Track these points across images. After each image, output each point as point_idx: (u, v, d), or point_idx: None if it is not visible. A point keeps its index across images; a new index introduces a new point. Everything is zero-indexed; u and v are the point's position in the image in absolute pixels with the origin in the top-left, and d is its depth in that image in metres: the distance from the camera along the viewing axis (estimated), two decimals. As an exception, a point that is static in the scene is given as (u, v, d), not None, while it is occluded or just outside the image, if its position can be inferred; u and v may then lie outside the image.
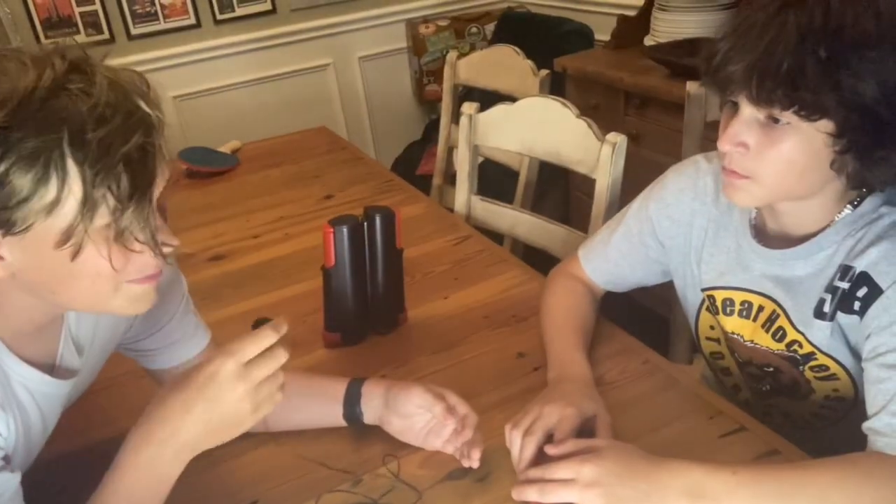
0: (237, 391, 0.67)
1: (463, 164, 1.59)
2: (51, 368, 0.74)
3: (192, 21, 2.74)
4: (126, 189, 0.59)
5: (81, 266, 0.61)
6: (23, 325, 0.69)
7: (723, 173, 0.83)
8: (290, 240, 1.47)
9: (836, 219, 0.83)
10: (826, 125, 0.74)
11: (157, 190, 0.64)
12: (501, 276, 1.27)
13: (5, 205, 0.57)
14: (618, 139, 1.30)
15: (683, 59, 1.93)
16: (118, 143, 0.58)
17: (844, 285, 0.81)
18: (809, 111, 0.73)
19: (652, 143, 2.00)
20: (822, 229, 0.84)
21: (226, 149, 1.96)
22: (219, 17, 2.78)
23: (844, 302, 0.81)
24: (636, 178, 1.34)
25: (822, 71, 0.71)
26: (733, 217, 0.94)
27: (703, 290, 0.97)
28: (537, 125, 1.46)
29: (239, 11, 2.80)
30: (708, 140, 1.32)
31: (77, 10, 2.56)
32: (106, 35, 2.62)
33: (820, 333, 0.85)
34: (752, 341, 0.94)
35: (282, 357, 0.69)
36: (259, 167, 1.88)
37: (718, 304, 0.96)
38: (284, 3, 2.87)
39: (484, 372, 1.03)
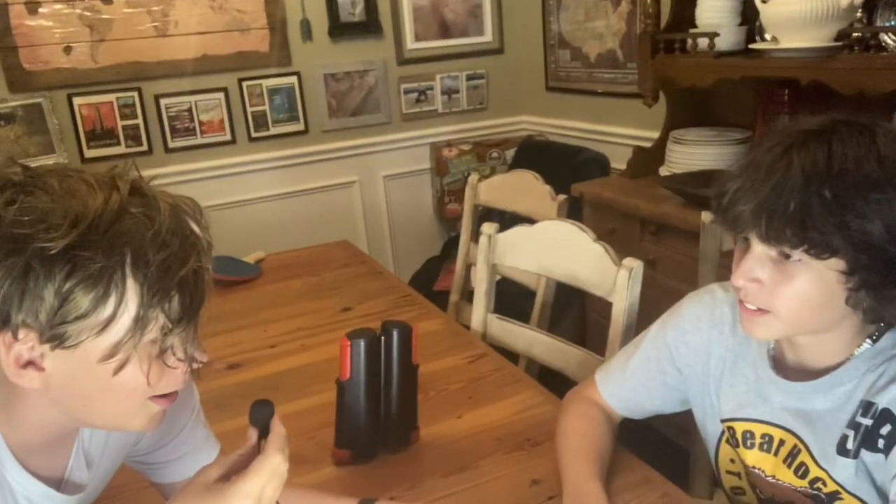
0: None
1: (481, 282, 1.61)
2: (58, 483, 0.72)
3: (228, 137, 2.89)
4: (177, 311, 0.61)
5: (120, 380, 0.62)
6: (37, 437, 0.69)
7: (739, 307, 0.84)
8: (305, 351, 1.47)
9: (856, 352, 0.82)
10: (837, 263, 0.75)
11: (202, 316, 0.66)
12: (516, 396, 1.25)
13: (63, 320, 0.58)
14: (634, 264, 1.32)
15: (698, 189, 1.99)
16: (176, 266, 0.60)
17: (867, 422, 0.79)
18: (819, 250, 0.74)
19: (668, 270, 2.02)
20: (841, 363, 0.83)
21: (250, 259, 2.01)
22: (254, 134, 2.93)
23: (868, 439, 0.79)
24: (652, 303, 1.34)
25: (829, 212, 0.72)
26: (751, 347, 0.93)
27: (723, 420, 0.96)
28: (555, 247, 1.49)
29: (273, 130, 2.96)
30: (723, 268, 1.33)
31: (120, 123, 2.71)
32: (144, 147, 2.76)
33: (844, 472, 0.82)
34: (773, 476, 0.91)
35: (285, 475, 0.70)
36: (280, 278, 1.91)
37: (738, 436, 0.93)
38: (316, 124, 3.03)
39: (496, 499, 0.99)
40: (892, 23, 1.72)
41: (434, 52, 3.16)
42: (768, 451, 0.91)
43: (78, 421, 0.69)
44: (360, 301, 1.71)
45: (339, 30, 2.96)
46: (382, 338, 1.08)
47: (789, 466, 0.88)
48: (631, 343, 1.09)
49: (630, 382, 1.05)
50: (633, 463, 1.05)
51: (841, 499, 0.84)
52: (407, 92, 3.16)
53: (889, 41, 1.71)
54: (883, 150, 0.75)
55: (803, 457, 0.87)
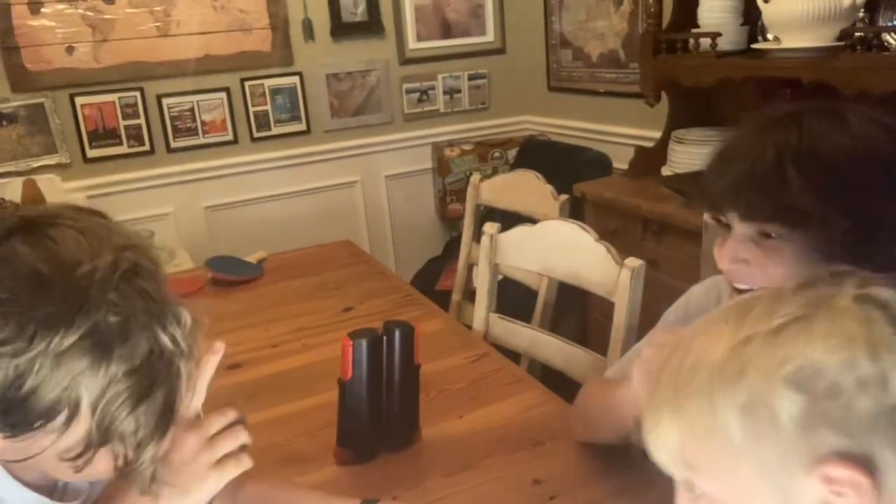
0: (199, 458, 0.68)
1: (483, 282, 1.61)
2: (51, 490, 0.71)
3: (230, 137, 2.89)
4: (146, 435, 0.58)
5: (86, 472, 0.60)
6: None
7: (732, 292, 0.85)
8: (307, 350, 1.48)
9: None
10: (815, 233, 0.75)
11: (175, 423, 0.62)
12: (518, 396, 1.25)
13: (24, 420, 0.56)
14: (636, 264, 1.32)
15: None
16: (146, 392, 0.57)
17: None
18: (797, 222, 0.75)
19: (669, 269, 2.02)
20: None
21: (252, 259, 2.01)
22: (256, 134, 2.93)
23: None
24: (654, 303, 1.34)
25: (804, 183, 0.74)
26: None
27: None
28: (557, 247, 1.49)
29: (275, 130, 2.96)
30: (726, 268, 1.33)
31: (122, 123, 2.72)
32: (147, 147, 2.77)
33: None
34: None
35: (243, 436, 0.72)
36: (282, 277, 1.91)
37: None
38: (319, 124, 3.03)
39: (498, 499, 0.99)
40: (895, 22, 1.72)
41: (436, 51, 3.16)
42: None
43: None
44: (361, 301, 1.71)
45: (341, 29, 2.96)
46: (384, 337, 1.08)
47: None
48: (642, 340, 1.10)
49: None
50: (633, 462, 1.05)
51: None
52: (409, 92, 3.16)
53: (892, 41, 1.71)
54: (854, 126, 0.76)
55: None
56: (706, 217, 1.42)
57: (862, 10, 1.73)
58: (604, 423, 1.00)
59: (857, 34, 1.70)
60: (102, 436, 0.56)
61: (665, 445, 0.58)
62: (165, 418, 0.59)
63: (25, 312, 0.54)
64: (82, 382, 0.55)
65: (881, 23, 1.75)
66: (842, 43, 1.70)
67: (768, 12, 1.81)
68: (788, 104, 0.83)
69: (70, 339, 0.54)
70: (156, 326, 0.59)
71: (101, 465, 0.59)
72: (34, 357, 0.54)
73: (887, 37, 1.71)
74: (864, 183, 0.74)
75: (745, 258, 0.80)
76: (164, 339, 0.59)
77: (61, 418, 0.56)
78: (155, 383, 0.58)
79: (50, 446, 0.57)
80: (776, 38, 1.86)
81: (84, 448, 0.57)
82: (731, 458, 0.52)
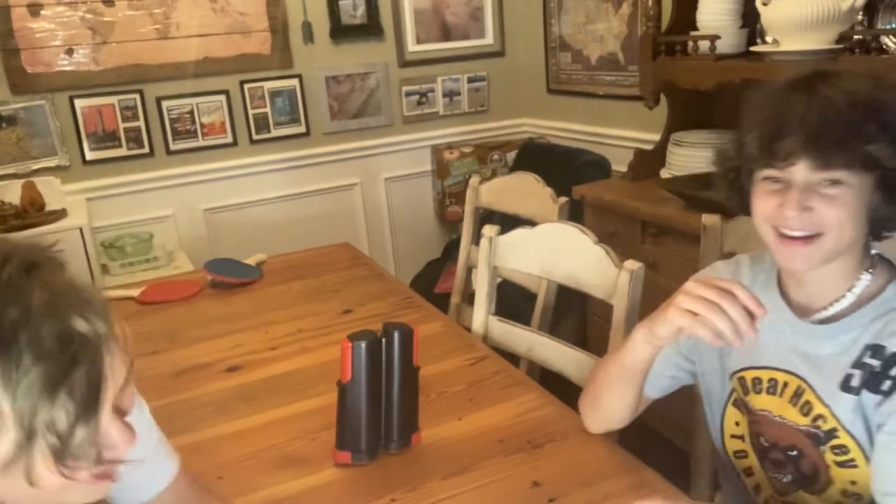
0: None
1: (482, 285, 1.61)
2: None
3: (230, 140, 2.90)
4: (68, 423, 0.56)
5: (34, 485, 0.58)
6: None
7: (779, 243, 0.89)
8: (306, 353, 1.47)
9: (855, 287, 0.90)
10: (870, 178, 0.84)
11: (107, 404, 0.60)
12: (517, 398, 1.25)
13: None
14: (635, 266, 1.32)
15: (698, 191, 1.99)
16: (57, 378, 0.55)
17: (875, 363, 0.86)
18: (867, 167, 0.82)
19: (668, 272, 2.02)
20: (837, 300, 0.91)
21: (251, 261, 2.01)
22: (255, 137, 2.94)
23: (873, 379, 0.86)
24: (653, 306, 1.34)
25: (876, 130, 0.81)
26: (764, 297, 0.97)
27: (734, 373, 1.01)
28: (556, 250, 1.49)
29: (275, 133, 2.96)
30: (725, 271, 1.33)
31: (122, 125, 2.72)
32: (146, 150, 2.77)
33: (844, 407, 0.89)
34: (780, 416, 0.96)
35: None
36: (281, 280, 1.91)
37: (749, 383, 0.99)
38: (318, 126, 3.03)
39: (498, 501, 0.99)
40: (893, 25, 1.73)
41: (435, 54, 3.17)
42: (774, 393, 0.97)
43: None
44: (361, 303, 1.71)
45: (341, 32, 2.97)
46: (383, 340, 1.08)
47: (794, 405, 0.95)
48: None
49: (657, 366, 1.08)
50: (632, 465, 1.05)
51: (837, 436, 0.90)
52: (408, 94, 3.17)
53: (890, 43, 1.71)
54: (877, 81, 0.86)
55: (808, 395, 0.93)
56: (705, 220, 1.43)
57: (860, 13, 1.73)
58: (616, 387, 1.05)
59: (856, 37, 1.70)
60: (28, 431, 0.55)
61: None
62: (91, 400, 0.58)
63: None
64: None
65: (879, 25, 1.75)
66: (840, 46, 1.71)
67: (767, 15, 1.82)
68: (796, 71, 0.90)
69: None
70: (60, 311, 0.57)
71: (42, 469, 0.57)
72: None
73: (886, 39, 1.72)
74: None
75: (810, 206, 0.85)
76: (74, 323, 0.57)
77: None
78: (71, 365, 0.56)
79: None
80: (775, 41, 1.86)
81: (16, 451, 0.55)
82: None
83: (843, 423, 0.90)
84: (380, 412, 1.09)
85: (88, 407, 0.57)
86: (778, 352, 0.96)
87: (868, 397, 0.86)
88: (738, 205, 0.99)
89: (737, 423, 1.05)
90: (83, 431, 0.57)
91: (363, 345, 1.05)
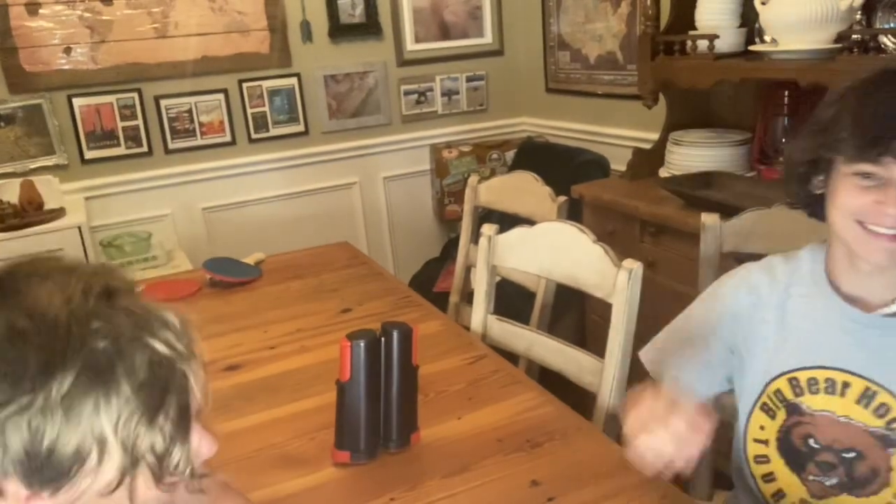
0: None
1: (480, 284, 1.61)
2: None
3: (228, 139, 2.89)
4: (164, 447, 0.58)
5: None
6: None
7: (866, 235, 0.87)
8: (305, 352, 1.48)
9: None
10: None
11: (194, 423, 0.62)
12: (516, 397, 1.25)
13: (59, 473, 0.55)
14: (634, 265, 1.32)
15: (697, 191, 1.99)
16: (156, 406, 0.57)
17: None
18: None
19: (667, 271, 2.02)
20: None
21: (250, 260, 2.01)
22: (254, 136, 2.93)
23: None
24: (652, 305, 1.35)
25: None
26: (805, 296, 0.97)
27: (781, 374, 0.98)
28: (555, 249, 1.49)
29: (273, 132, 2.96)
30: (723, 270, 1.33)
31: (120, 124, 2.72)
32: (145, 148, 2.76)
33: None
34: (846, 416, 0.94)
35: None
36: (280, 279, 1.91)
37: (804, 384, 0.97)
38: (317, 125, 3.03)
39: (497, 500, 0.99)
40: (892, 25, 1.73)
41: (434, 53, 3.17)
42: (833, 393, 0.94)
43: None
44: (360, 302, 1.71)
45: (340, 31, 2.96)
46: (382, 339, 1.08)
47: (865, 406, 0.92)
48: (669, 327, 1.12)
49: (682, 365, 1.08)
50: (631, 463, 1.05)
51: None
52: (407, 93, 3.17)
53: (889, 43, 1.71)
54: None
55: (883, 397, 0.91)
56: (704, 219, 1.43)
57: (859, 12, 1.73)
58: None
59: (854, 36, 1.71)
60: (132, 458, 0.57)
61: None
62: (184, 420, 0.60)
63: (15, 369, 0.54)
64: (99, 415, 0.55)
65: (878, 25, 1.75)
66: (839, 45, 1.71)
67: (766, 14, 1.82)
68: (887, 61, 0.90)
69: (68, 379, 0.54)
70: (147, 337, 0.59)
71: (143, 489, 0.59)
72: (42, 408, 0.53)
73: (884, 39, 1.72)
74: None
75: None
76: (160, 347, 0.59)
77: (93, 457, 0.56)
78: (165, 391, 0.58)
79: (89, 488, 0.57)
80: (773, 40, 1.87)
81: (120, 476, 0.57)
82: None
83: None
84: (379, 411, 1.09)
85: (182, 426, 0.60)
86: (837, 350, 0.94)
87: None
88: (803, 200, 0.97)
89: (761, 427, 1.02)
90: (179, 450, 0.59)
91: (362, 344, 1.05)
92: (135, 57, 2.68)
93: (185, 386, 0.60)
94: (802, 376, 0.97)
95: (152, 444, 0.57)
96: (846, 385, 0.93)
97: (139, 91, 2.71)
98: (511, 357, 1.49)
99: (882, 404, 0.91)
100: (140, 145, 2.76)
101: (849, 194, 0.88)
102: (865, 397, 0.92)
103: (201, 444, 0.64)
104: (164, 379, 0.58)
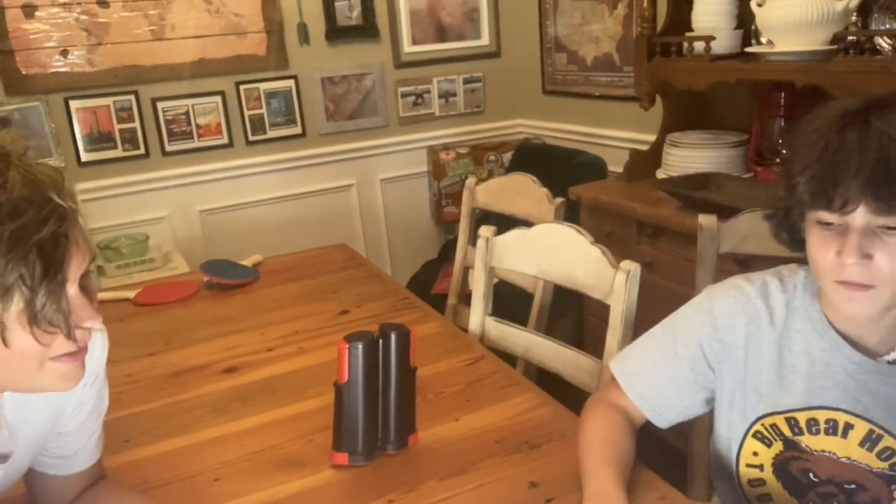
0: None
1: (478, 285, 1.61)
2: None
3: (226, 141, 2.89)
4: (38, 276, 0.62)
5: (9, 349, 0.65)
6: None
7: (841, 287, 0.84)
8: (303, 354, 1.47)
9: None
10: None
11: (73, 274, 0.67)
12: (514, 399, 1.25)
13: None
14: (632, 267, 1.32)
15: (694, 192, 2.00)
16: (29, 234, 0.62)
17: None
18: None
19: (665, 272, 2.03)
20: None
21: (247, 262, 2.00)
22: (251, 138, 2.93)
23: None
24: (650, 306, 1.35)
25: None
26: (813, 336, 0.93)
27: (779, 413, 0.95)
28: (552, 250, 1.49)
29: (271, 134, 2.96)
30: (721, 271, 1.34)
31: (117, 126, 2.72)
32: (142, 151, 2.76)
33: None
34: (847, 458, 0.92)
35: None
36: (278, 281, 1.91)
37: (803, 424, 0.94)
38: (314, 127, 3.03)
39: (495, 501, 0.99)
40: (887, 26, 1.73)
41: (431, 55, 3.17)
42: (834, 434, 0.92)
43: None
44: (357, 304, 1.71)
45: (337, 33, 2.97)
46: (380, 341, 1.08)
47: (870, 450, 0.90)
48: (646, 341, 1.08)
49: (661, 384, 1.03)
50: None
51: None
52: (404, 95, 3.17)
53: (884, 44, 1.72)
54: None
55: (888, 441, 0.88)
56: (701, 220, 1.43)
57: (854, 14, 1.74)
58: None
59: (850, 38, 1.71)
60: (3, 288, 0.61)
61: None
62: (59, 260, 0.64)
63: None
64: None
65: (874, 26, 1.76)
66: (835, 46, 1.71)
67: (762, 16, 1.82)
68: (846, 101, 0.85)
69: None
70: (36, 185, 0.64)
71: (18, 331, 0.64)
72: None
73: (880, 40, 1.72)
74: None
75: (870, 252, 0.80)
76: (47, 193, 0.64)
77: None
78: (41, 224, 0.62)
79: None
80: (770, 42, 1.87)
81: None
82: None
83: None
84: (377, 413, 1.09)
85: (56, 266, 0.64)
86: (840, 392, 0.91)
87: None
88: (787, 242, 0.94)
89: (755, 454, 1.00)
90: (51, 288, 0.63)
91: (360, 346, 1.05)
92: (132, 59, 2.68)
93: (65, 230, 0.64)
94: (802, 417, 0.94)
95: (22, 274, 0.61)
96: (849, 426, 0.91)
97: (136, 93, 2.71)
98: (509, 359, 1.49)
99: (887, 448, 0.89)
100: (137, 147, 2.76)
101: (816, 248, 0.85)
102: (869, 440, 0.90)
103: (81, 308, 0.68)
104: (43, 215, 0.63)
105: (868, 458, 0.90)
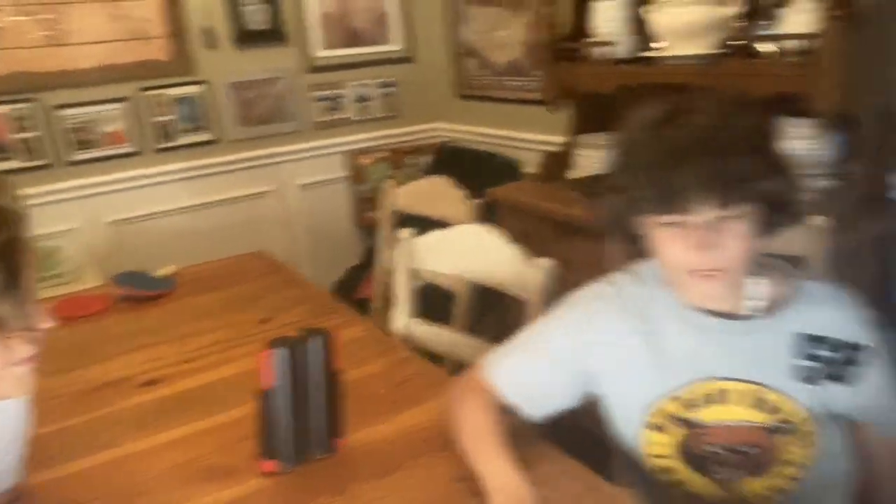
0: None
1: (401, 287, 1.63)
2: None
3: (134, 149, 2.79)
4: (3, 283, 0.64)
5: None
6: None
7: (693, 277, 0.91)
8: (225, 364, 1.45)
9: (759, 284, 0.94)
10: (764, 208, 0.87)
11: (29, 278, 0.68)
12: (440, 398, 1.27)
13: None
14: (547, 264, 1.38)
15: (602, 190, 2.08)
16: None
17: (825, 353, 0.92)
18: (762, 197, 0.86)
19: (580, 268, 2.09)
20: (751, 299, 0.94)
21: (160, 273, 1.95)
22: (160, 145, 2.84)
23: (830, 369, 0.92)
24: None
25: (770, 162, 0.86)
26: (671, 320, 0.99)
27: (664, 396, 1.00)
28: (472, 250, 1.53)
29: (181, 140, 2.88)
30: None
31: (16, 136, 2.57)
32: (45, 161, 2.63)
33: (808, 399, 0.93)
34: (737, 421, 0.98)
35: None
36: (195, 291, 1.87)
37: (690, 400, 0.99)
38: (226, 133, 2.97)
39: (423, 499, 1.02)
40: (768, 32, 1.87)
41: (344, 59, 3.16)
42: (721, 402, 0.97)
43: None
44: (278, 312, 1.70)
45: (246, 38, 2.92)
46: (303, 345, 1.09)
47: (755, 407, 0.96)
48: (521, 342, 1.12)
49: (542, 384, 1.08)
50: (552, 454, 1.09)
51: (805, 427, 0.95)
52: (319, 100, 3.15)
53: (767, 49, 1.85)
54: (748, 112, 0.90)
55: (763, 393, 0.95)
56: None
57: (741, 19, 1.87)
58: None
59: (735, 42, 1.84)
60: None
61: None
62: (21, 264, 0.65)
63: None
64: None
65: (756, 32, 1.89)
66: (724, 51, 1.84)
67: (656, 22, 1.93)
68: (661, 101, 0.92)
69: None
70: None
71: None
72: None
73: (763, 45, 1.85)
74: (784, 157, 0.88)
75: (713, 244, 0.87)
76: (3, 200, 0.66)
77: None
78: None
79: None
80: (665, 46, 1.98)
81: None
82: None
83: (812, 413, 0.94)
84: (303, 418, 1.09)
85: (17, 271, 0.65)
86: (712, 361, 0.97)
87: (833, 386, 0.93)
88: (635, 250, 0.99)
89: (659, 444, 1.03)
90: (15, 294, 0.65)
91: (283, 351, 1.05)
92: (28, 65, 2.54)
93: (23, 234, 0.66)
94: (685, 394, 0.99)
95: None
96: (729, 391, 0.97)
97: (36, 101, 2.58)
98: (436, 359, 1.52)
99: (765, 400, 0.96)
100: (40, 157, 2.62)
101: (665, 246, 0.91)
102: (751, 397, 0.96)
103: (38, 311, 0.71)
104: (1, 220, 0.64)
105: (754, 415, 0.97)
